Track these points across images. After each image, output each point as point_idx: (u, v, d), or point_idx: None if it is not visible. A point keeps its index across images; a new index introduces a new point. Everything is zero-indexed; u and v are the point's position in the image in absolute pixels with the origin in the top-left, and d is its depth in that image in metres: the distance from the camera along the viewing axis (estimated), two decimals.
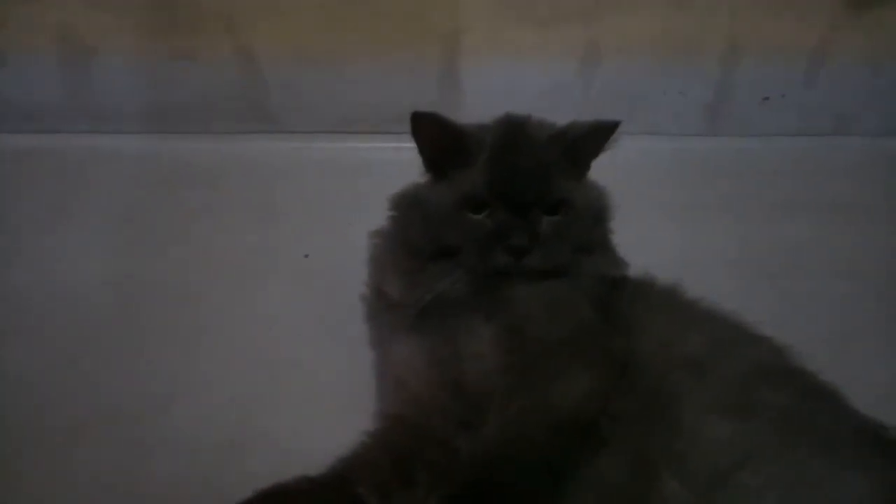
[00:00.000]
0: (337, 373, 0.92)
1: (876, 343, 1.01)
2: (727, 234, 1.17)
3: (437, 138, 0.82)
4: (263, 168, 1.27)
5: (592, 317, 0.77)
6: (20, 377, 0.91)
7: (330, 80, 1.27)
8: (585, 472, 0.65)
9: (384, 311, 0.85)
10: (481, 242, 0.78)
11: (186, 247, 1.11)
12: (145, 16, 1.20)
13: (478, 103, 1.23)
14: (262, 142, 1.30)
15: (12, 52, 1.23)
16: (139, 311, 1.01)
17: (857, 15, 1.25)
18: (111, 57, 1.23)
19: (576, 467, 0.65)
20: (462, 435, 0.72)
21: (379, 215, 0.89)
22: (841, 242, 1.17)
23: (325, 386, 0.91)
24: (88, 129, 1.29)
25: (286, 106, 1.30)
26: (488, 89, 1.26)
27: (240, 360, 0.94)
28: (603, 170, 0.88)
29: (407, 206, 0.86)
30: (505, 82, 1.26)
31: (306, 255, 1.10)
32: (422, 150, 0.84)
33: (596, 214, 0.86)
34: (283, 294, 1.04)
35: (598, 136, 0.84)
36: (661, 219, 1.17)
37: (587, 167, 0.88)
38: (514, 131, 0.84)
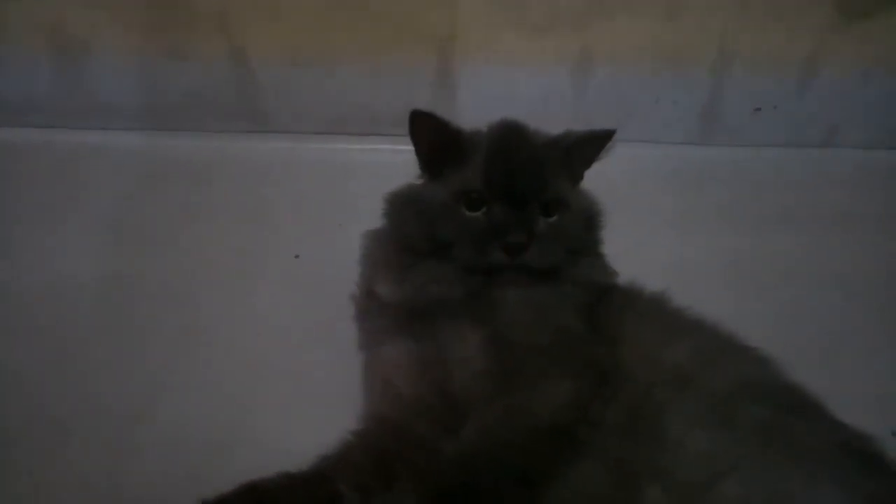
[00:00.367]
0: (326, 373, 0.91)
1: (867, 352, 1.01)
2: (718, 243, 1.17)
3: (435, 137, 0.82)
4: (255, 168, 1.27)
5: (577, 325, 0.77)
6: (4, 374, 0.91)
7: (322, 81, 1.27)
8: (567, 480, 0.65)
9: (374, 312, 0.85)
10: (476, 238, 0.78)
11: (176, 245, 1.11)
12: (139, 14, 1.20)
13: (471, 108, 1.25)
14: (254, 141, 1.30)
15: (6, 47, 1.22)
16: (127, 309, 1.01)
17: (848, 26, 1.25)
18: (104, 54, 1.23)
19: (554, 474, 0.65)
20: (445, 438, 0.72)
21: (370, 217, 0.89)
22: (832, 252, 1.17)
23: (314, 386, 0.90)
24: (80, 126, 1.28)
25: (278, 106, 1.30)
26: (482, 95, 1.27)
27: (229, 360, 0.94)
28: (594, 177, 0.89)
29: (402, 203, 0.86)
30: (498, 88, 1.27)
31: (297, 256, 1.10)
32: (419, 148, 0.84)
33: (589, 220, 0.86)
34: (272, 294, 1.04)
35: (593, 144, 0.85)
36: (652, 227, 1.18)
37: (581, 175, 0.88)
38: (511, 132, 0.85)
